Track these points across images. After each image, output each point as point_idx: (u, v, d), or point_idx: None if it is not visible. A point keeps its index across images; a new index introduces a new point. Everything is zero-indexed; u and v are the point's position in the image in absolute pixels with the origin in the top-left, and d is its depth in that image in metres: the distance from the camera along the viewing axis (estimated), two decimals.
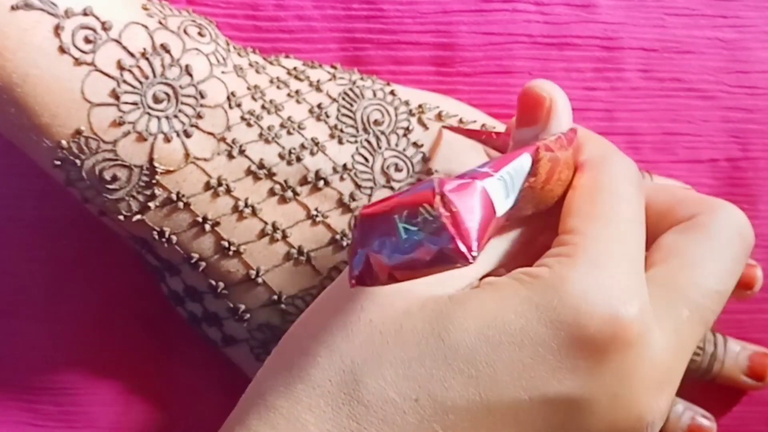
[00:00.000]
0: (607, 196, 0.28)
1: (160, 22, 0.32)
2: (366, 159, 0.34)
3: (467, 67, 0.39)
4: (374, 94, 0.35)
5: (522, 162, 0.27)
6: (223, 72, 0.33)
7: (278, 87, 0.34)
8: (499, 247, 0.29)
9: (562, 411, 0.26)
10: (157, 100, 0.32)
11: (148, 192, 0.32)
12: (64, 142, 0.31)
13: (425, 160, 0.34)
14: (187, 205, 0.32)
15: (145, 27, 0.32)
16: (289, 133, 0.33)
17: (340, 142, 0.34)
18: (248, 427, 0.26)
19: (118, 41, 0.31)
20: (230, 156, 0.32)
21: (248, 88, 0.33)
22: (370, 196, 0.33)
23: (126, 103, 0.31)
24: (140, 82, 0.31)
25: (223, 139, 0.32)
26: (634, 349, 0.26)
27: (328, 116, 0.34)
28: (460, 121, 0.35)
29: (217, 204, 0.32)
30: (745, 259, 0.30)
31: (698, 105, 0.39)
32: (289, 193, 0.33)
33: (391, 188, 0.34)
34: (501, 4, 0.39)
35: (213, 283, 0.33)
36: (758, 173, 0.39)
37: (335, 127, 0.34)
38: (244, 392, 0.28)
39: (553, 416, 0.26)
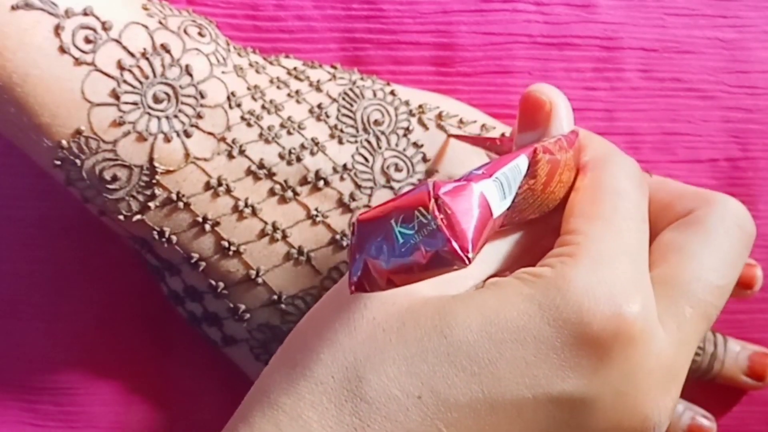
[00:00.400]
0: (608, 195, 0.28)
1: (161, 22, 0.32)
2: (366, 159, 0.34)
3: (467, 67, 0.39)
4: (374, 94, 0.35)
5: (518, 163, 0.27)
6: (223, 72, 0.33)
7: (278, 87, 0.34)
8: (503, 249, 0.29)
9: (567, 409, 0.26)
10: (157, 100, 0.32)
11: (148, 192, 0.32)
12: (64, 142, 0.31)
13: (425, 160, 0.34)
14: (187, 205, 0.32)
15: (146, 27, 0.32)
16: (289, 133, 0.33)
17: (340, 142, 0.34)
18: (251, 424, 0.26)
19: (118, 41, 0.31)
20: (230, 156, 0.32)
21: (248, 88, 0.33)
22: (370, 196, 0.33)
23: (126, 103, 0.31)
24: (140, 82, 0.31)
25: (223, 139, 0.32)
26: (637, 347, 0.26)
27: (328, 116, 0.34)
28: (460, 121, 0.35)
29: (217, 204, 0.32)
30: (747, 250, 0.30)
31: (698, 105, 0.39)
32: (289, 193, 0.33)
33: (391, 188, 0.34)
34: (501, 4, 0.39)
35: (213, 283, 0.33)
36: (758, 173, 0.39)
37: (335, 127, 0.34)
38: (250, 389, 0.28)
39: (558, 414, 0.26)
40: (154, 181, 0.32)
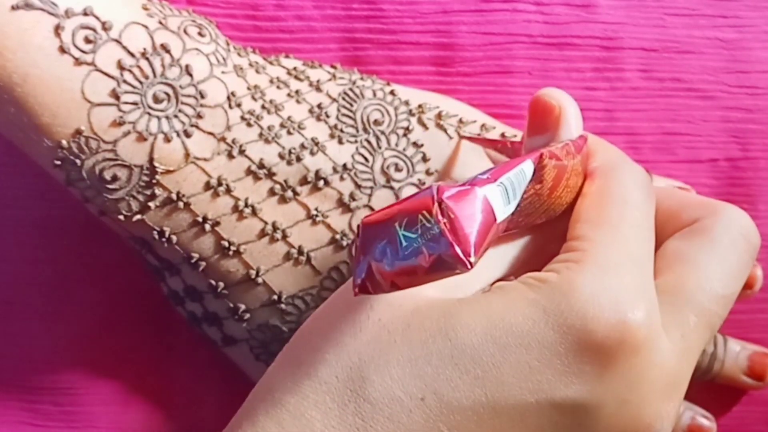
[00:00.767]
0: (615, 202, 0.28)
1: (161, 22, 0.32)
2: (366, 159, 0.34)
3: (467, 67, 0.39)
4: (374, 94, 0.35)
5: (523, 168, 0.27)
6: (223, 72, 0.33)
7: (278, 87, 0.34)
8: (510, 253, 0.29)
9: (570, 415, 0.26)
10: (157, 100, 0.32)
11: (148, 192, 0.32)
12: (64, 142, 0.31)
13: (425, 159, 0.34)
14: (187, 204, 0.32)
15: (146, 27, 0.32)
16: (289, 133, 0.33)
17: (340, 141, 0.34)
18: (255, 422, 0.26)
19: (118, 41, 0.31)
20: (230, 156, 0.32)
21: (248, 88, 0.33)
22: (370, 195, 0.33)
23: (126, 102, 0.31)
24: (140, 82, 0.31)
25: (223, 139, 0.32)
26: (641, 354, 0.26)
27: (328, 116, 0.34)
28: (460, 120, 0.35)
29: (217, 204, 0.32)
30: (751, 261, 0.30)
31: (698, 105, 0.39)
32: (289, 193, 0.33)
33: (391, 188, 0.34)
34: (501, 4, 0.39)
35: (213, 282, 0.33)
36: (758, 173, 0.39)
37: (335, 126, 0.34)
38: (250, 389, 0.28)
39: (560, 420, 0.26)
40: (154, 181, 0.32)
